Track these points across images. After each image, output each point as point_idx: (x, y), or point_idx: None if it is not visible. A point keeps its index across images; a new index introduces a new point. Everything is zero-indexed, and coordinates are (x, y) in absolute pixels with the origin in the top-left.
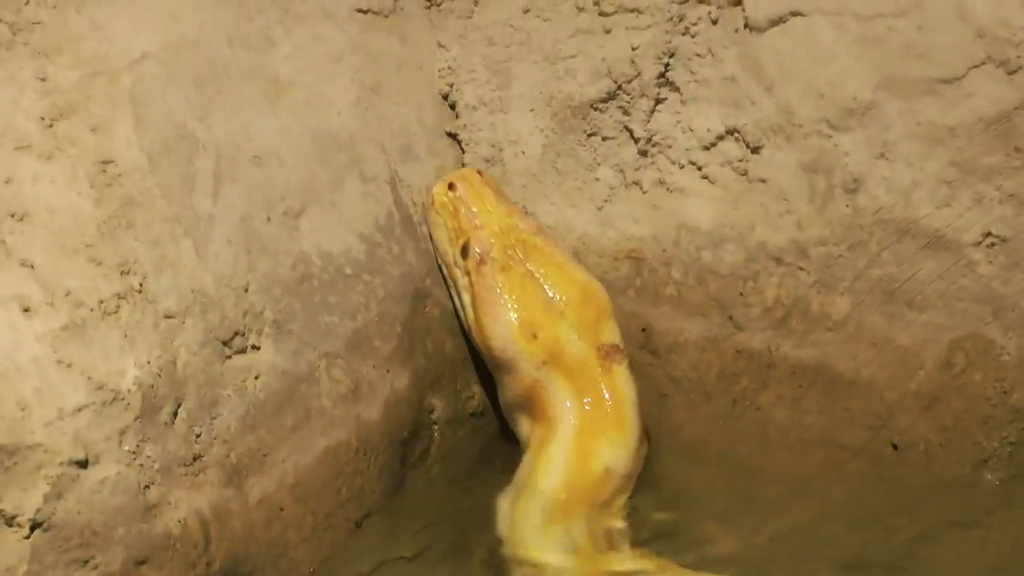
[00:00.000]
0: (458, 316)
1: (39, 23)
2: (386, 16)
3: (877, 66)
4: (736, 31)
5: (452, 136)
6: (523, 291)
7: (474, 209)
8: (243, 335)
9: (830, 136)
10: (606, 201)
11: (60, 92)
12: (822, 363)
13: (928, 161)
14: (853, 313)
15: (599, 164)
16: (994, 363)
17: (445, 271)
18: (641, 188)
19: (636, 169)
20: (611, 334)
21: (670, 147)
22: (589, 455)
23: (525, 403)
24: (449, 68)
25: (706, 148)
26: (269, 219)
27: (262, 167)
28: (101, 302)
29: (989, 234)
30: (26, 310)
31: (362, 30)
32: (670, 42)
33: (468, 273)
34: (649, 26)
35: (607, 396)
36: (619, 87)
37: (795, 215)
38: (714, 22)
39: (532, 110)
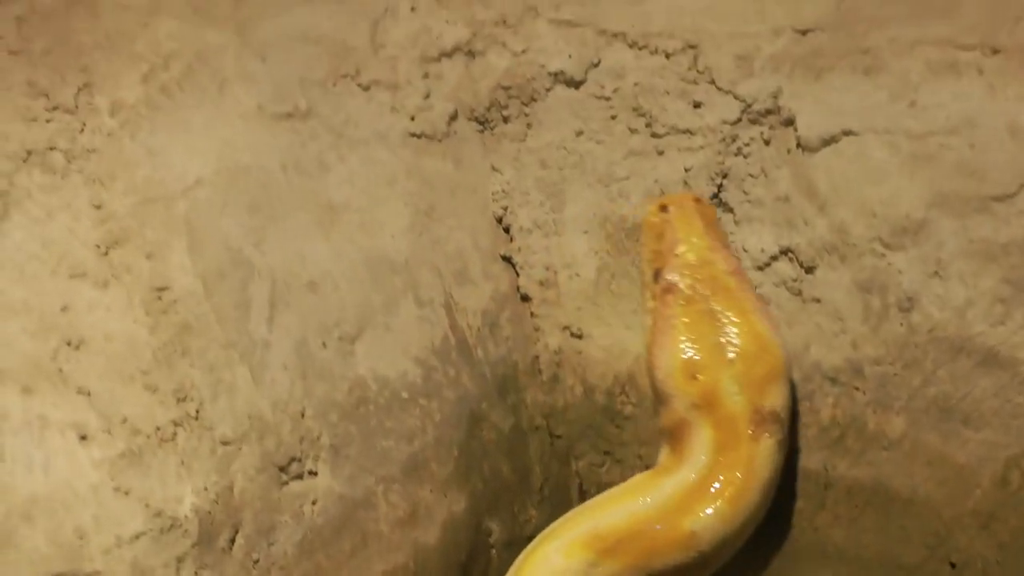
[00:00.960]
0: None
1: (94, 150)
2: (439, 140)
3: (930, 184)
4: (788, 151)
5: (507, 259)
6: (698, 329)
7: (678, 236)
8: (300, 460)
9: (884, 255)
10: None
11: (115, 219)
12: (878, 482)
13: (982, 279)
14: (909, 431)
15: None
16: None
17: (640, 290)
18: None
19: None
20: (776, 399)
21: None
22: (686, 511)
23: (671, 434)
24: (503, 191)
25: (760, 268)
26: (325, 344)
27: (317, 292)
28: (158, 429)
29: None
30: (83, 438)
31: (416, 154)
32: (723, 163)
33: (655, 297)
34: (702, 147)
35: (742, 465)
36: None
37: (850, 334)
38: (766, 142)
39: (586, 232)
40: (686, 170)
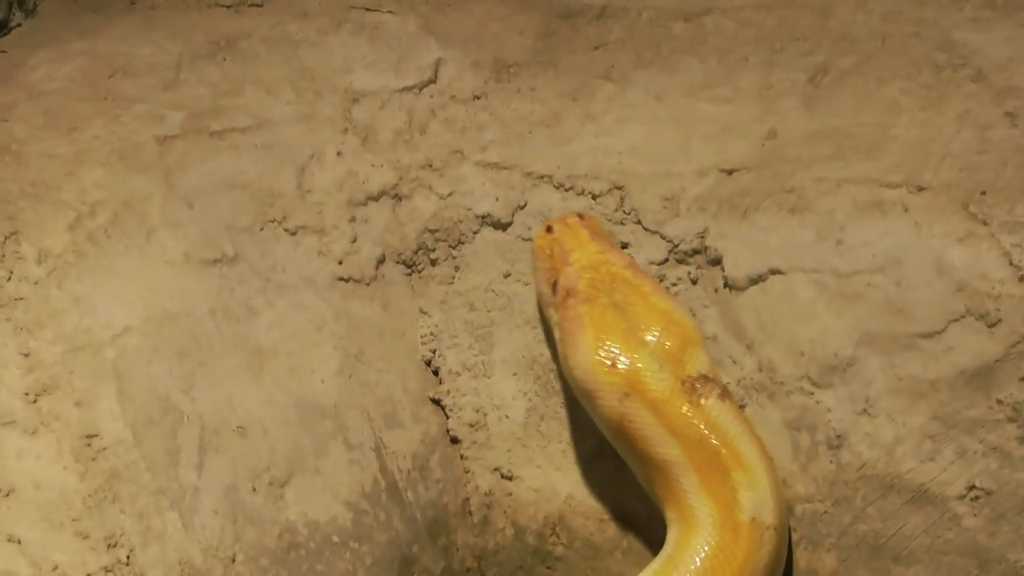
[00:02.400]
0: (553, 353)
1: (21, 299)
2: (367, 284)
3: (857, 322)
4: (716, 290)
5: (436, 402)
6: (604, 321)
7: (567, 247)
8: None
9: (812, 393)
10: (592, 462)
11: (43, 367)
12: None
13: (911, 416)
14: (840, 569)
15: (584, 426)
16: None
17: (543, 312)
18: None
19: None
20: (698, 363)
21: None
22: (731, 504)
23: (624, 445)
24: (431, 334)
25: None
26: (255, 489)
27: (246, 437)
28: (89, 575)
29: (973, 487)
30: None
31: (344, 298)
32: None
33: (557, 308)
34: None
35: (708, 434)
36: None
37: (780, 472)
38: (694, 282)
39: (515, 374)
40: None
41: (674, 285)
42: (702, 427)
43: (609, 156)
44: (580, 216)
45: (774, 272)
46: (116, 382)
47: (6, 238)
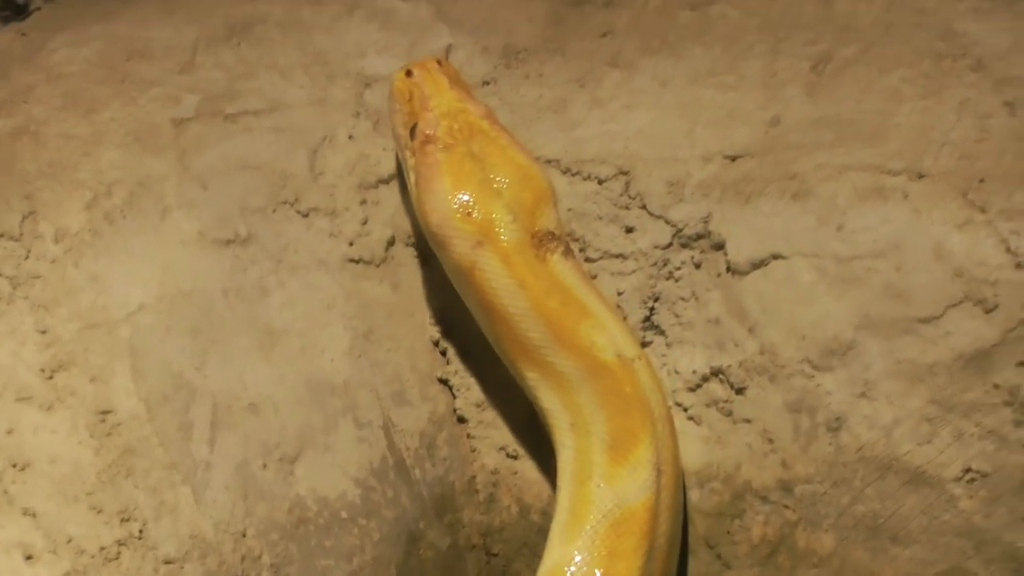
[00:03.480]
0: (404, 194)
1: (39, 277)
2: (377, 265)
3: (857, 306)
4: (719, 275)
5: (443, 382)
6: (462, 170)
7: (426, 93)
8: None
9: (812, 376)
10: None
11: (60, 344)
12: None
13: (909, 399)
14: (838, 549)
15: None
16: None
17: (399, 155)
18: None
19: None
20: (548, 220)
21: None
22: (589, 350)
23: (473, 293)
24: (440, 315)
25: (691, 389)
26: (265, 465)
27: (258, 414)
28: (102, 549)
29: (969, 469)
30: (28, 557)
31: (354, 279)
32: (655, 286)
33: (414, 153)
34: (634, 271)
35: (554, 287)
36: None
37: (780, 454)
38: (697, 266)
39: None
40: (619, 293)
41: (678, 269)
42: (549, 281)
43: (615, 141)
44: (439, 62)
45: (776, 256)
46: (130, 359)
47: (24, 217)
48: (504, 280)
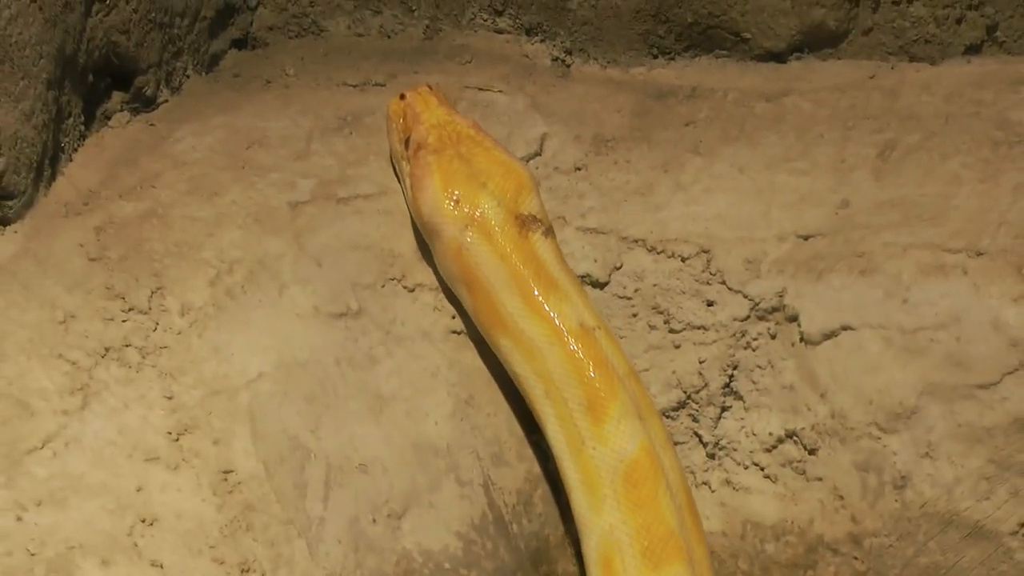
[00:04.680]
0: (407, 203)
1: (165, 347)
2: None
3: (921, 374)
4: (793, 344)
5: (538, 444)
6: (451, 169)
7: (417, 110)
8: None
9: (879, 438)
10: None
11: (185, 409)
12: None
13: (968, 459)
14: None
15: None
16: None
17: (395, 167)
18: (710, 487)
19: (705, 471)
20: (529, 205)
21: (735, 450)
22: (554, 318)
23: (458, 271)
24: None
25: (767, 450)
26: (374, 520)
27: (368, 474)
28: None
29: None
30: None
31: (456, 349)
32: (734, 355)
33: (409, 161)
34: (714, 341)
35: (531, 261)
36: (688, 397)
37: (849, 510)
38: (772, 337)
39: None
40: (700, 362)
41: (755, 340)
42: (526, 255)
43: (697, 222)
44: (430, 87)
45: (845, 328)
46: (250, 423)
47: (152, 293)
48: (487, 254)
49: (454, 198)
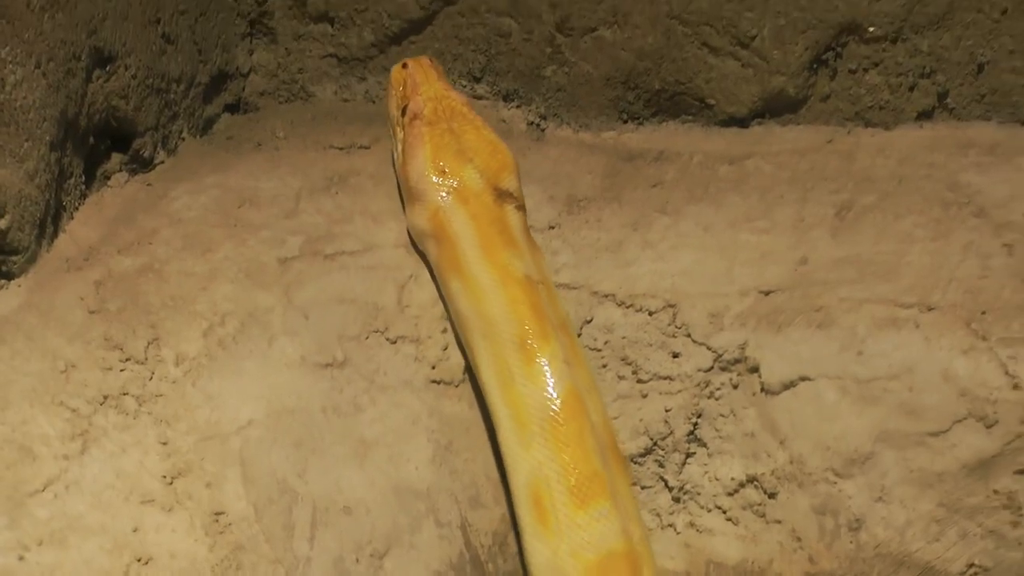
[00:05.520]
0: (394, 165)
1: (161, 395)
2: (456, 386)
3: (875, 422)
4: (754, 394)
5: None
6: (441, 139)
7: (417, 81)
8: None
9: (835, 483)
10: (654, 541)
11: (179, 454)
12: None
13: (920, 503)
14: None
15: (639, 510)
16: None
17: (390, 130)
18: (675, 529)
19: (671, 513)
20: (509, 183)
21: (699, 494)
22: (506, 268)
23: (430, 229)
24: None
25: (730, 494)
26: (358, 560)
27: (352, 515)
28: None
29: (973, 564)
30: None
31: (436, 397)
32: (698, 404)
33: (403, 127)
34: (680, 391)
35: (497, 222)
36: (655, 443)
37: (807, 551)
38: (735, 387)
39: None
40: (666, 410)
41: (718, 389)
42: (495, 218)
43: (664, 278)
44: (431, 59)
45: (804, 378)
46: (241, 467)
47: (149, 343)
48: (460, 213)
49: (441, 168)
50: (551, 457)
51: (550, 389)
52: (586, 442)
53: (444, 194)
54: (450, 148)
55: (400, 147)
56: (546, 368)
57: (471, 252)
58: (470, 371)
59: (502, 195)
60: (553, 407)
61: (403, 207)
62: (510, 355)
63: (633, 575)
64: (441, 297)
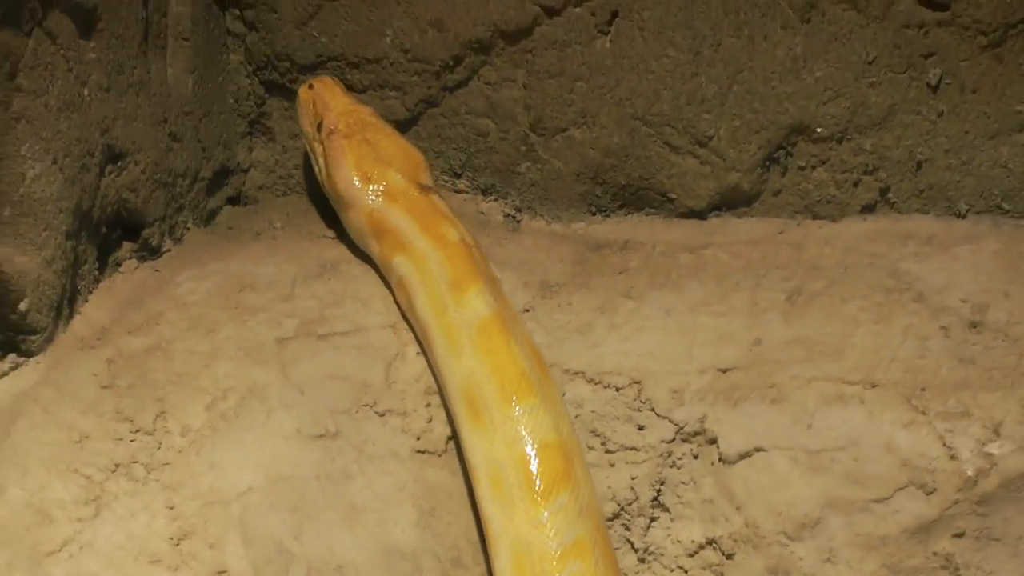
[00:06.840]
0: (317, 179)
1: (168, 464)
2: (440, 455)
3: (823, 490)
4: (712, 463)
5: None
6: (360, 149)
7: (326, 99)
8: None
9: (787, 545)
10: None
11: (184, 518)
12: None
13: (865, 564)
14: None
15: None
16: None
17: (307, 148)
18: None
19: (636, 573)
20: (425, 179)
21: (663, 555)
22: (442, 236)
23: (369, 229)
24: None
25: (690, 555)
26: None
27: (343, 574)
28: None
29: None
30: None
31: (421, 466)
32: (661, 473)
33: (322, 143)
34: (644, 460)
35: (426, 206)
36: (622, 509)
37: None
38: (695, 457)
39: None
40: (632, 478)
41: (680, 459)
42: (427, 204)
43: (629, 357)
44: (332, 78)
45: (758, 449)
46: (241, 530)
47: (157, 416)
48: (395, 209)
49: (366, 175)
50: (480, 362)
51: (479, 311)
52: (512, 349)
53: (374, 197)
54: (369, 156)
55: (322, 161)
56: (475, 298)
57: (411, 231)
58: (453, 441)
59: (424, 189)
60: (480, 324)
61: (339, 216)
62: (444, 291)
63: (565, 463)
64: (384, 282)
